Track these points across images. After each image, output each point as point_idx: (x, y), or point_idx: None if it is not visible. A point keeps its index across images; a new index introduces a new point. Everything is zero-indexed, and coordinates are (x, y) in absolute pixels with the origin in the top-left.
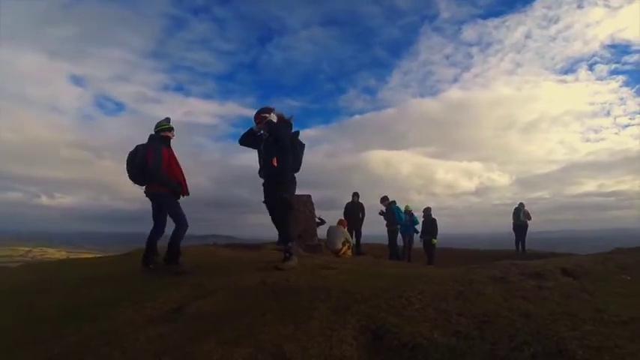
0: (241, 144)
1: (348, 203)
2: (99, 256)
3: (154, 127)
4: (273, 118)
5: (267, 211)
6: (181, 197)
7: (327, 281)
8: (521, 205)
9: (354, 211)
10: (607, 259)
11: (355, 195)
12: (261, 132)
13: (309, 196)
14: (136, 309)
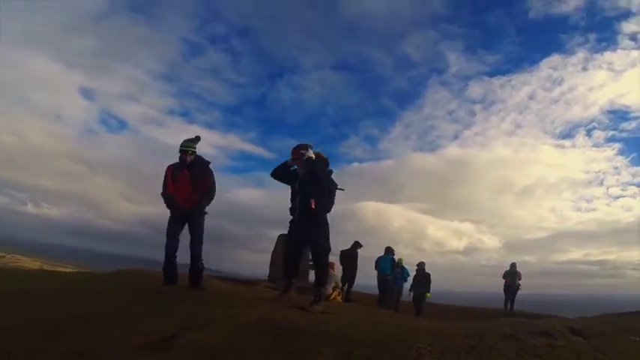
0: (273, 177)
1: (346, 250)
2: (84, 271)
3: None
4: (311, 154)
5: (282, 245)
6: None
7: (328, 325)
8: (514, 265)
9: (352, 259)
10: (614, 321)
11: (357, 245)
12: (295, 167)
13: None
14: (124, 332)
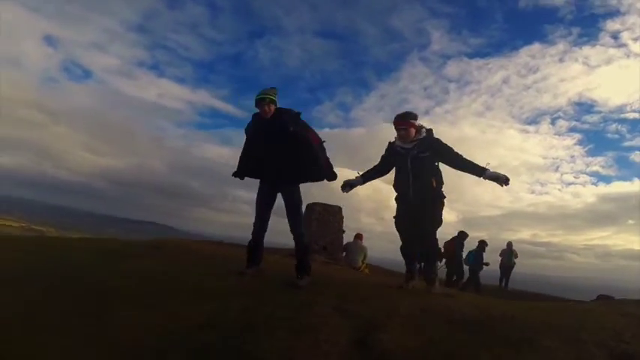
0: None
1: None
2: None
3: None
4: (424, 127)
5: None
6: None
7: (518, 314)
8: (510, 244)
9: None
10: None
11: (463, 235)
12: (398, 144)
13: (340, 208)
14: (303, 340)
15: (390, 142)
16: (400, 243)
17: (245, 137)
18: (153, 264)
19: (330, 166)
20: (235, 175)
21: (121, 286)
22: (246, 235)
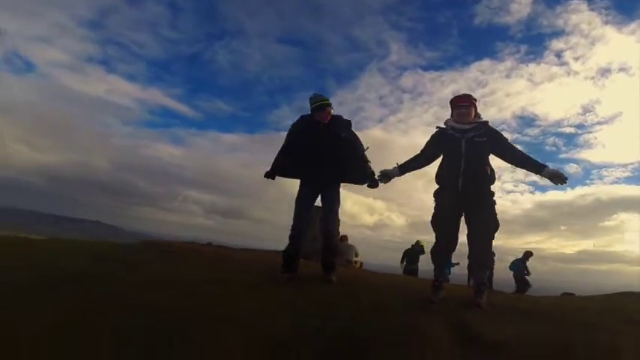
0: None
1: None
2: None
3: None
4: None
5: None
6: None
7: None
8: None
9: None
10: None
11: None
12: (451, 125)
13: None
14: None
15: (438, 128)
16: (435, 243)
17: (288, 137)
18: (181, 271)
19: (373, 173)
20: (268, 174)
21: (173, 304)
22: (196, 235)
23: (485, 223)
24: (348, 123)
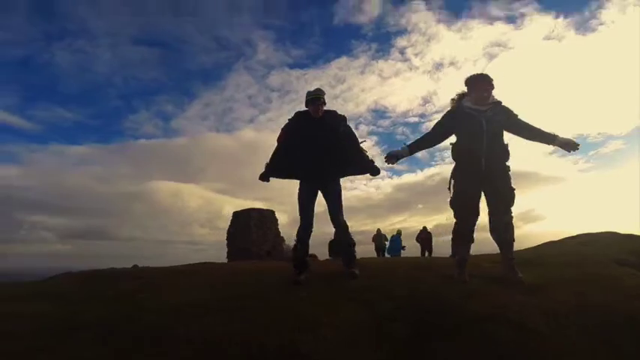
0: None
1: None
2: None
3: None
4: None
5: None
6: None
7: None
8: (379, 230)
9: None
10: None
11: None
12: (468, 105)
13: (272, 212)
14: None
15: (450, 110)
16: (456, 223)
17: (283, 135)
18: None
19: (373, 161)
20: (262, 177)
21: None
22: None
23: (507, 197)
24: (344, 118)
